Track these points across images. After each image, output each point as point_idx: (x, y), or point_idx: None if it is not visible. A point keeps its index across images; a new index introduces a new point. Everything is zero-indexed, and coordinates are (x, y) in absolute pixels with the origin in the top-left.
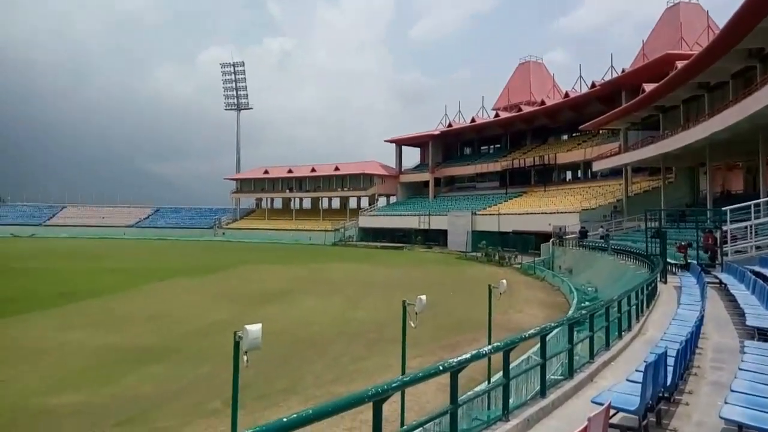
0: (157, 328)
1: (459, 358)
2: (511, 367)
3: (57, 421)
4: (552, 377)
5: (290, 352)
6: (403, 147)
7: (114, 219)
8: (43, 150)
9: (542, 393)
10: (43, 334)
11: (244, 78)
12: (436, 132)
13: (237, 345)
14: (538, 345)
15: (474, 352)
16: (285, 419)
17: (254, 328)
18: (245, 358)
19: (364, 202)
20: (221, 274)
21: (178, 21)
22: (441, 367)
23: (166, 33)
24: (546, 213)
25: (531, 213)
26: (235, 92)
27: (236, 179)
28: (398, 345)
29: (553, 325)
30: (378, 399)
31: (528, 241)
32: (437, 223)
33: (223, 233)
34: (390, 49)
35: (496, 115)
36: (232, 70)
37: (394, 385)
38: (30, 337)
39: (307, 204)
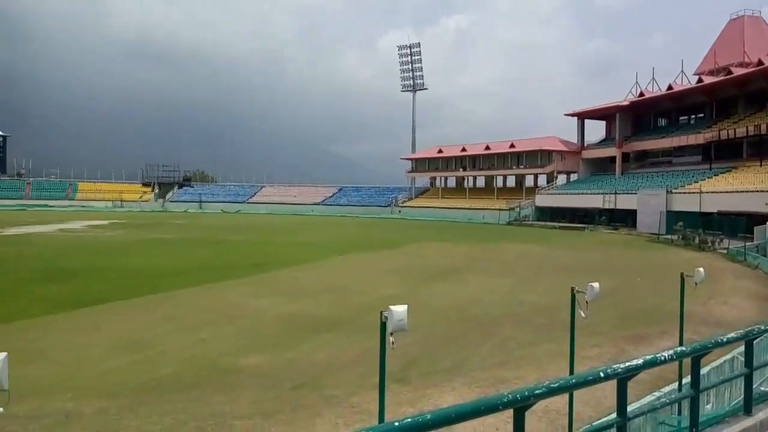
0: (333, 300)
1: (628, 364)
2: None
3: (242, 380)
4: (762, 389)
5: (457, 331)
6: (586, 121)
7: (304, 197)
8: (247, 136)
9: (746, 409)
10: (238, 300)
11: (420, 59)
12: (625, 103)
13: (383, 326)
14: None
15: (649, 357)
16: (429, 416)
17: (400, 309)
18: (391, 339)
19: (542, 180)
20: (395, 250)
21: (359, 10)
22: (602, 374)
23: (350, 21)
24: (762, 191)
25: (743, 191)
26: (411, 74)
27: (412, 159)
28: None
29: (764, 327)
30: (519, 406)
31: (737, 224)
32: (625, 202)
33: (399, 211)
34: (575, 15)
35: (699, 81)
36: (409, 52)
37: (538, 391)
38: (228, 302)
39: (480, 182)
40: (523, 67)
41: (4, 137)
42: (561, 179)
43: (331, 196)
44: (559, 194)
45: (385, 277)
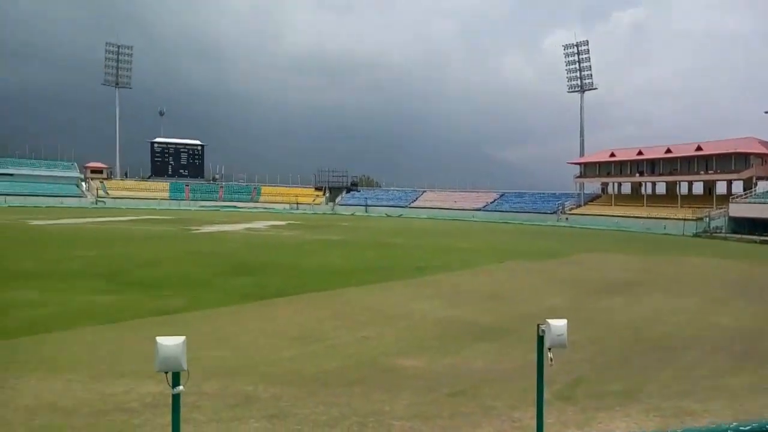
0: (493, 307)
1: None
2: None
3: (401, 381)
4: None
5: (631, 351)
6: None
7: (464, 203)
8: (411, 142)
9: None
10: (399, 302)
11: (588, 57)
12: None
13: (540, 340)
14: None
15: None
16: None
17: (558, 324)
18: (549, 356)
19: (736, 187)
20: (562, 259)
21: (523, 9)
22: None
23: (512, 22)
24: None
25: None
26: (578, 73)
27: (580, 163)
28: None
29: None
30: None
31: None
32: None
33: (566, 219)
34: None
35: None
36: (575, 51)
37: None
38: (389, 303)
39: (660, 189)
40: (711, 60)
41: (203, 146)
42: (762, 186)
43: (492, 202)
44: (761, 203)
45: (551, 287)
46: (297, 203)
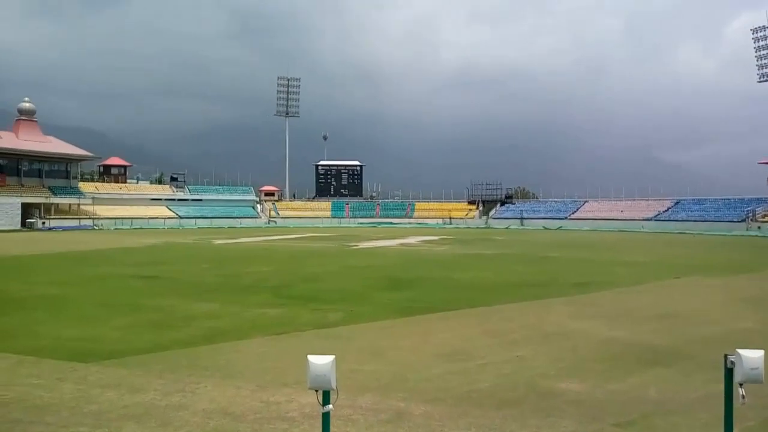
0: (666, 328)
1: None
2: None
3: (559, 406)
4: None
5: None
6: None
7: (632, 212)
8: (569, 150)
9: None
10: (557, 320)
11: None
12: None
13: (729, 372)
14: None
15: None
16: None
17: (753, 355)
18: (741, 392)
19: None
20: (754, 275)
21: None
22: None
23: (686, 10)
24: None
25: None
26: None
27: None
28: None
29: None
30: None
31: None
32: None
33: (759, 227)
34: None
35: None
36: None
37: None
38: (546, 321)
39: None
40: None
41: (361, 166)
42: None
43: (665, 211)
44: None
45: (739, 308)
46: (450, 218)
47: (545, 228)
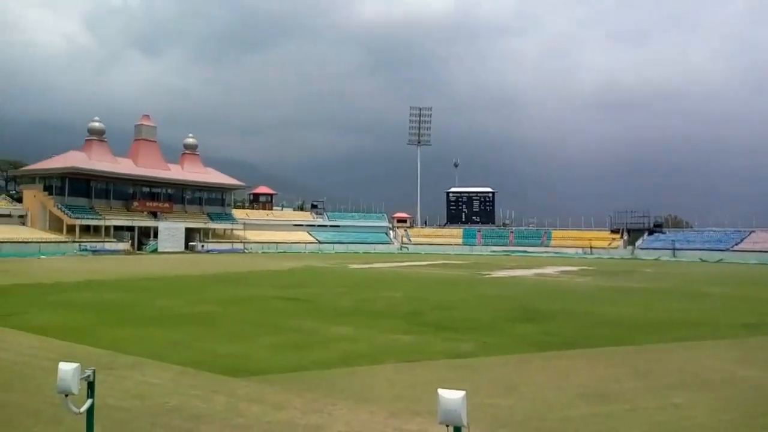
0: None
1: None
2: None
3: None
4: None
5: None
6: None
7: None
8: (729, 175)
9: None
10: (720, 365)
11: None
12: None
13: None
14: None
15: None
16: None
17: None
18: None
19: None
20: None
21: None
22: None
23: None
24: None
25: None
26: None
27: None
28: None
29: None
30: None
31: None
32: None
33: None
34: None
35: None
36: None
37: None
38: (706, 365)
39: None
40: None
41: (493, 193)
42: None
43: None
44: None
45: None
46: (591, 248)
47: (702, 260)
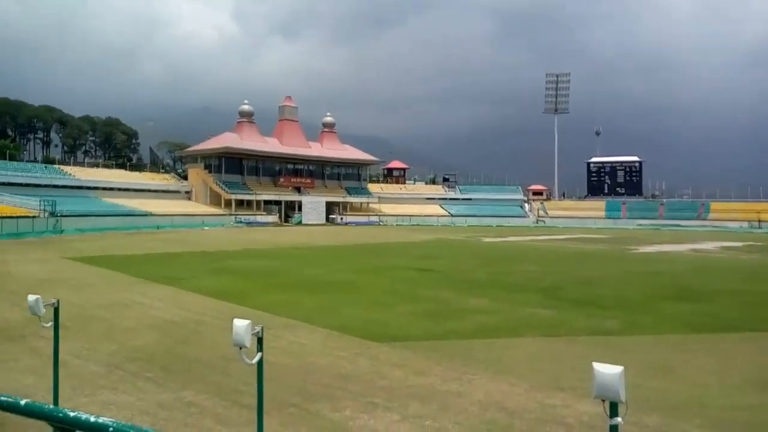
0: None
1: None
2: None
3: None
4: None
5: None
6: None
7: None
8: None
9: None
10: None
11: None
12: None
13: None
14: None
15: None
16: None
17: None
18: None
19: None
20: None
21: None
22: None
23: None
24: None
25: None
26: None
27: None
28: None
29: None
30: None
31: None
32: None
33: None
34: None
35: None
36: None
37: None
38: None
39: None
40: None
41: (640, 163)
42: None
43: None
44: None
45: None
46: (759, 221)
47: None
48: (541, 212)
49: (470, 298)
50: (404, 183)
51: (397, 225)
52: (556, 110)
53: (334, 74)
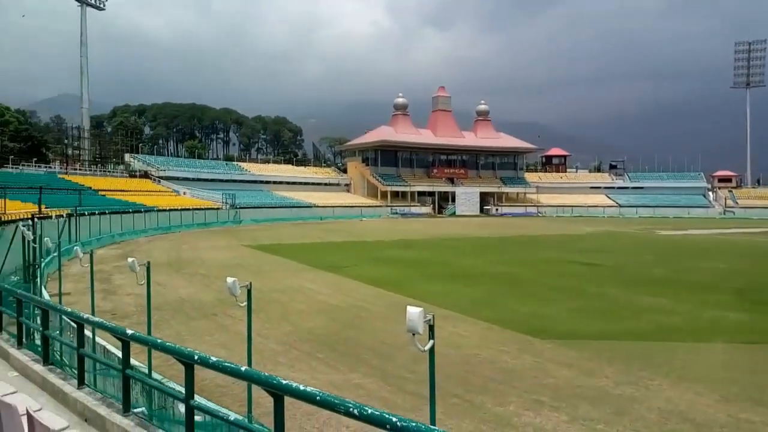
0: None
1: None
2: None
3: None
4: None
5: None
6: None
7: None
8: None
9: None
10: None
11: None
12: None
13: None
14: None
15: None
16: None
17: None
18: None
19: None
20: None
21: None
22: None
23: None
24: None
25: None
26: None
27: None
28: None
29: None
30: None
31: None
32: None
33: None
34: None
35: None
36: None
37: None
38: None
39: None
40: None
41: None
42: None
43: None
44: None
45: None
46: None
47: None
48: (730, 202)
49: (645, 296)
50: (565, 171)
51: (557, 216)
52: (748, 84)
53: (488, 61)
